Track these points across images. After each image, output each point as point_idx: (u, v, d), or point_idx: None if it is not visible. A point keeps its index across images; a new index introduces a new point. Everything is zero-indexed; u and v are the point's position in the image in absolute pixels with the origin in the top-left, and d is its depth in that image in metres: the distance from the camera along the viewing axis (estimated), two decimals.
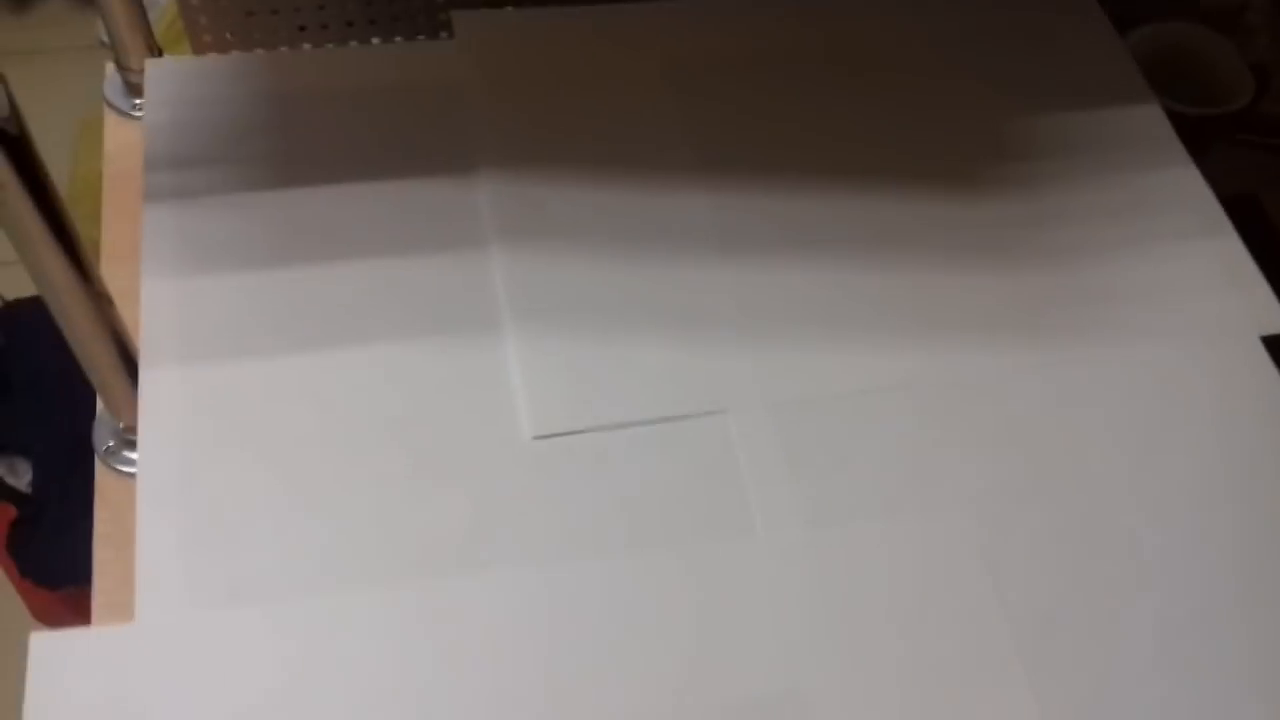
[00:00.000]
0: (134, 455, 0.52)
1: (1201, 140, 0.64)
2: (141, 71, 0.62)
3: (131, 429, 0.52)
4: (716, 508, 0.50)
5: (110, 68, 0.65)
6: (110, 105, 0.65)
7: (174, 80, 0.61)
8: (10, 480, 1.01)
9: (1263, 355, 0.56)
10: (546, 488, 0.50)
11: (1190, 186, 0.62)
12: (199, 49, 0.66)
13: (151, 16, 0.64)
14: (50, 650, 0.44)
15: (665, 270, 0.56)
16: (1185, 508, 0.51)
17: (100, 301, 0.47)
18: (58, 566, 0.99)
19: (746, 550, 0.49)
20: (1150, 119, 0.64)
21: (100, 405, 0.54)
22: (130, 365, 0.51)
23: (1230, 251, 0.59)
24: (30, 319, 1.04)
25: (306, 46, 0.67)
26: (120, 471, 0.52)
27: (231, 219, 0.57)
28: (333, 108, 0.61)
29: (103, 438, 0.53)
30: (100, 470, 0.53)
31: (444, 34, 0.67)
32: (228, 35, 0.66)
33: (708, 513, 0.50)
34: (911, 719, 0.45)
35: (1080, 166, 0.62)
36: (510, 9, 0.66)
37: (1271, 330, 0.56)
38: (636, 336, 0.54)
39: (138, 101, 0.63)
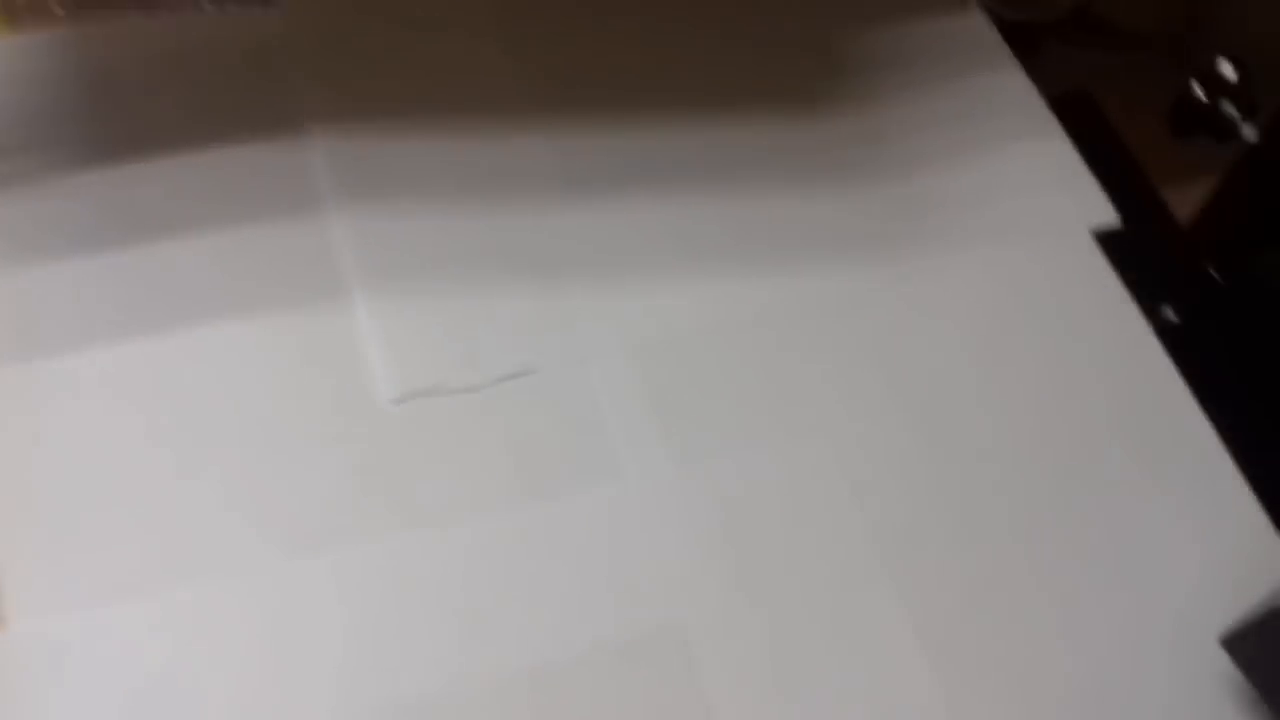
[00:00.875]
0: None
1: (1031, 43, 0.66)
2: None
3: None
4: (584, 456, 0.50)
5: None
6: None
7: None
8: None
9: (1094, 250, 0.58)
10: (410, 452, 0.49)
11: (1017, 90, 0.63)
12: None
13: None
14: None
15: (512, 217, 0.56)
16: (1033, 408, 0.53)
17: None
18: None
19: (615, 495, 0.49)
20: (975, 26, 0.66)
21: None
22: None
23: (1058, 151, 0.61)
24: None
25: None
26: None
27: (55, 205, 0.54)
28: (150, 77, 0.59)
29: None
30: None
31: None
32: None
33: (575, 462, 0.50)
34: (786, 640, 0.47)
35: (911, 79, 0.63)
36: None
37: (1102, 225, 0.58)
38: (489, 289, 0.54)
39: None
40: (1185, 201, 0.63)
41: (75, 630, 0.44)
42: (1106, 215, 0.59)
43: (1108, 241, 0.58)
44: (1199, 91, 0.59)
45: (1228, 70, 0.59)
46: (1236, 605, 0.48)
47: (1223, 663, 0.46)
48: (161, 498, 0.47)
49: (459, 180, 0.57)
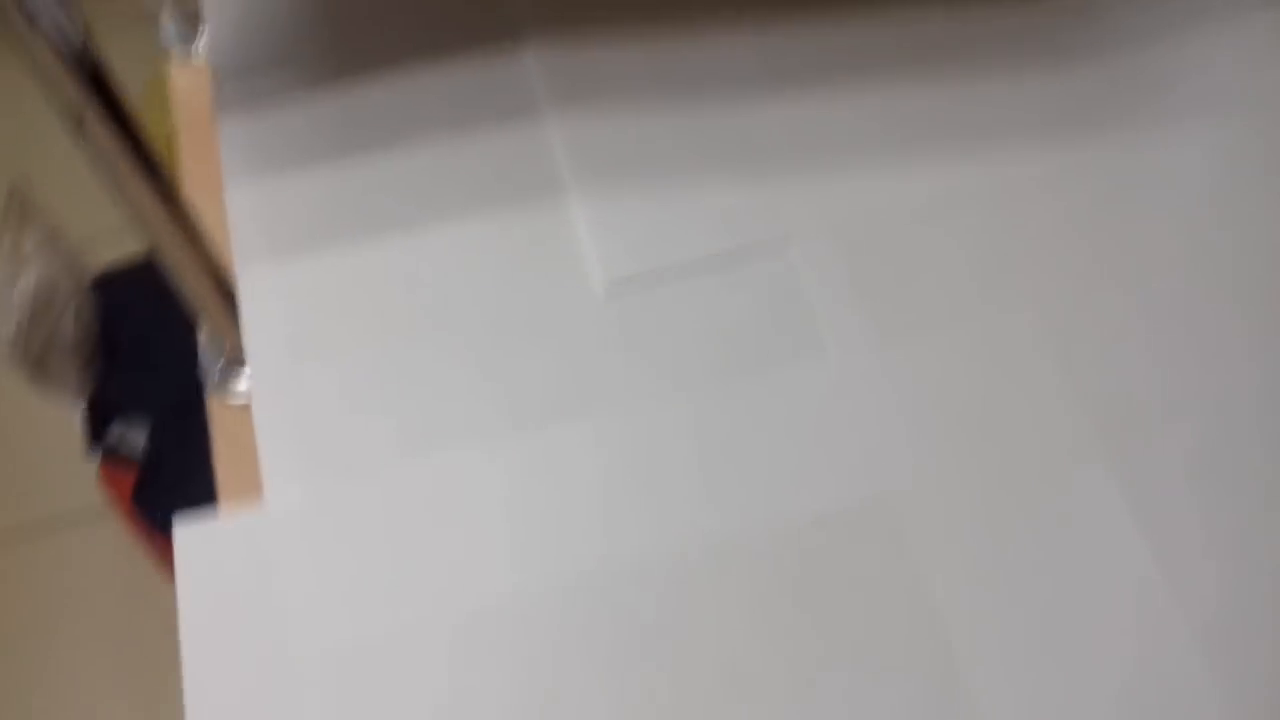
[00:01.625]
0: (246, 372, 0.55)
1: None
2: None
3: (236, 351, 0.55)
4: (789, 335, 0.51)
5: (165, 17, 0.67)
6: (172, 54, 0.67)
7: None
8: (127, 445, 1.05)
9: None
10: (626, 333, 0.51)
11: None
12: None
13: None
14: (192, 539, 0.48)
15: (716, 112, 0.57)
16: (1247, 281, 0.51)
17: (188, 225, 0.50)
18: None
19: (821, 372, 0.50)
20: None
21: (203, 335, 0.56)
22: (224, 289, 0.53)
23: (1273, 23, 0.58)
24: (127, 284, 1.08)
25: None
26: (231, 398, 0.55)
27: (296, 119, 0.59)
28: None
29: (210, 365, 0.56)
30: (212, 398, 0.55)
31: None
32: None
33: (781, 341, 0.51)
34: (999, 515, 0.46)
35: None
36: None
37: None
38: (696, 181, 0.55)
39: (198, 44, 0.66)
40: None
41: (326, 503, 0.48)
42: None
43: None
44: None
45: None
46: None
47: None
48: (402, 379, 0.51)
49: (665, 80, 0.59)
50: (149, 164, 0.46)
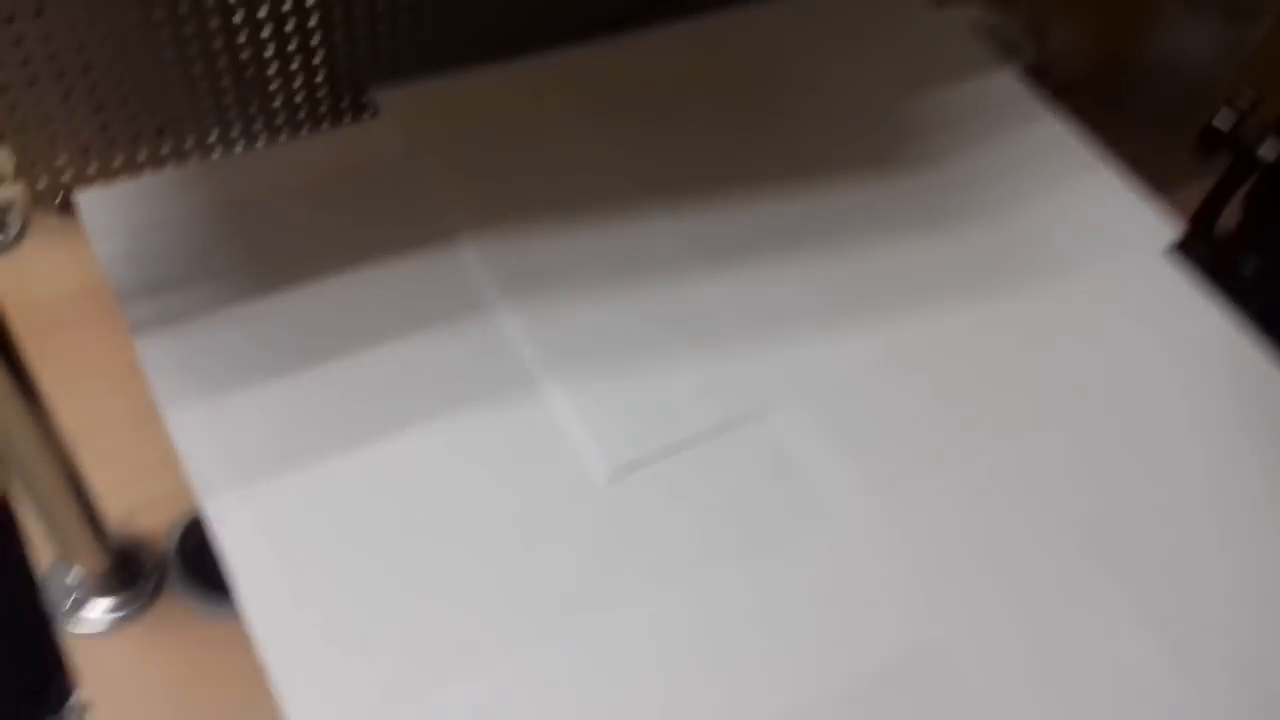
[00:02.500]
0: (102, 601, 0.50)
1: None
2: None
3: (94, 572, 0.50)
4: (790, 503, 0.54)
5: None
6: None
7: (112, 207, 0.60)
8: None
9: (1170, 268, 0.65)
10: (635, 519, 0.52)
11: (1057, 134, 0.71)
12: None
13: None
14: None
15: (663, 294, 0.60)
16: (1166, 414, 0.60)
17: (52, 438, 0.44)
18: None
19: (829, 535, 0.53)
20: (1007, 83, 0.73)
21: (48, 560, 0.51)
22: (85, 506, 0.48)
23: (1107, 181, 0.69)
24: None
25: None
26: (87, 629, 0.50)
27: (228, 333, 0.56)
28: (287, 205, 0.61)
29: (60, 596, 0.50)
30: (70, 636, 0.50)
31: (366, 116, 0.67)
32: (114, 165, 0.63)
33: (784, 509, 0.54)
34: (1026, 638, 0.51)
35: (964, 136, 0.70)
36: (429, 80, 0.67)
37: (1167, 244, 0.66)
38: (664, 358, 0.58)
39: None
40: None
41: None
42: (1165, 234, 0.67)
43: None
44: (1222, 120, 0.67)
45: (1242, 100, 0.68)
46: None
47: None
48: (414, 592, 0.49)
49: (606, 265, 0.61)
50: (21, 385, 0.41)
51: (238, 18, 0.60)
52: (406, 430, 0.54)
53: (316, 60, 0.64)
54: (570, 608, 0.49)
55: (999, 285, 0.63)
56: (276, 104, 0.65)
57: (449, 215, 0.61)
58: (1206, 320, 0.63)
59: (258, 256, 0.59)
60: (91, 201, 0.60)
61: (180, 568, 0.52)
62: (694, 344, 0.58)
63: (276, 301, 0.57)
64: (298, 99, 0.65)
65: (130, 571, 0.51)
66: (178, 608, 0.51)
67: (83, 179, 0.63)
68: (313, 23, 0.63)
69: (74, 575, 0.50)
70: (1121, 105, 0.78)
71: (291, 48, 0.63)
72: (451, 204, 0.62)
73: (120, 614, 0.51)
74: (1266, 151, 0.68)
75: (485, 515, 0.52)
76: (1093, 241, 0.66)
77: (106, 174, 0.63)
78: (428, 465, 0.53)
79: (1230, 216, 0.71)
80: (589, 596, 0.50)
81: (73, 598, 0.50)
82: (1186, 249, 0.66)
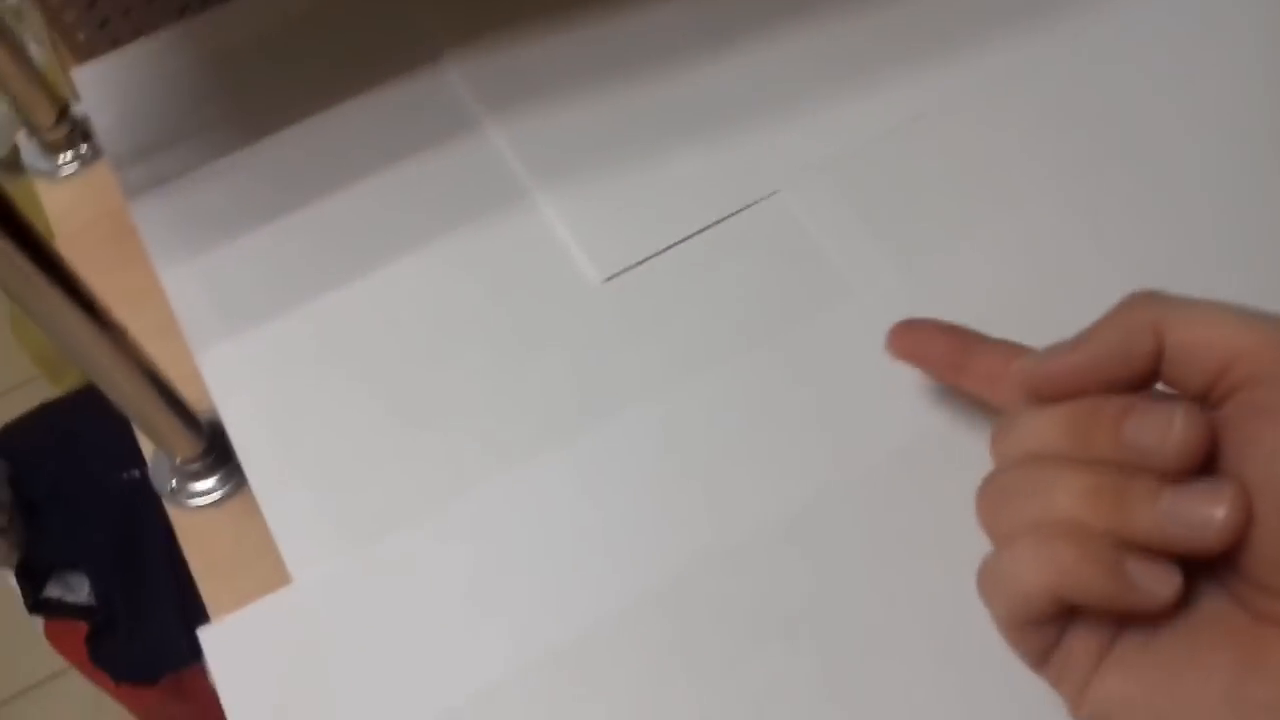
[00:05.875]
0: (200, 486, 0.51)
1: None
2: (53, 127, 0.61)
3: (189, 460, 0.51)
4: (809, 284, 0.49)
5: (22, 135, 0.63)
6: (36, 173, 0.63)
7: (104, 79, 0.60)
8: (71, 598, 1.00)
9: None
10: (634, 323, 0.49)
11: None
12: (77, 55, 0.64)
13: None
14: (221, 639, 0.44)
15: (663, 81, 0.56)
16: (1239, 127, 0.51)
17: (119, 337, 0.45)
18: (147, 661, 0.99)
19: (854, 309, 0.48)
20: None
21: (150, 451, 0.52)
22: (167, 395, 0.49)
23: None
24: (26, 440, 1.03)
25: None
26: (192, 507, 0.51)
27: (218, 186, 0.56)
28: (268, 52, 0.60)
29: (163, 480, 0.52)
30: (174, 513, 0.51)
31: None
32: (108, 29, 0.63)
33: (802, 291, 0.49)
34: None
35: None
36: None
37: None
38: (660, 155, 0.54)
39: (61, 160, 0.62)
40: None
41: (362, 565, 0.45)
42: None
43: None
44: None
45: None
46: None
47: None
48: (412, 420, 0.48)
49: (597, 63, 0.57)
50: (68, 287, 0.42)
51: None
52: (401, 257, 0.52)
53: None
54: (573, 412, 0.47)
55: (1042, 24, 0.55)
56: None
57: (433, 37, 0.59)
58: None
59: (244, 104, 0.58)
60: (85, 76, 0.61)
61: None
62: (691, 135, 0.54)
63: (266, 146, 0.56)
64: None
65: (225, 450, 0.51)
66: None
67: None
68: None
69: (176, 459, 0.51)
70: None
71: None
72: (433, 24, 0.59)
73: (221, 491, 0.51)
74: None
75: (479, 328, 0.50)
76: None
77: None
78: (422, 289, 0.51)
79: None
80: (590, 400, 0.47)
81: (174, 480, 0.51)
82: None
